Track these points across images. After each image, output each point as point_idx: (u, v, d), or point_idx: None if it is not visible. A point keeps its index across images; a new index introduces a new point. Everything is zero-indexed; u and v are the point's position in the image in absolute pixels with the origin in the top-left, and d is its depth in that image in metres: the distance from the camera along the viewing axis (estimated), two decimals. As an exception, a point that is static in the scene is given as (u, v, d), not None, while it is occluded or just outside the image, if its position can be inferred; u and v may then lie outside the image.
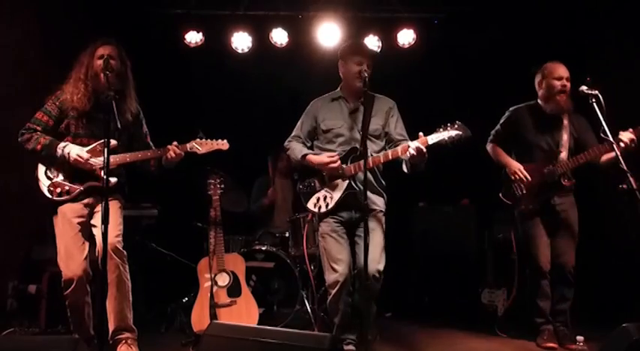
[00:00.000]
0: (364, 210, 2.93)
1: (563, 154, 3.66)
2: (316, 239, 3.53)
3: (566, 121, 3.72)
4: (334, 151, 3.34)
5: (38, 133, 3.12)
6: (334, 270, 3.21)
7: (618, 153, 3.03)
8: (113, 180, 3.09)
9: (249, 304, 3.71)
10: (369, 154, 3.14)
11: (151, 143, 3.42)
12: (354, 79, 3.29)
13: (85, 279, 3.05)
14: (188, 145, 3.27)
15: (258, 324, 3.59)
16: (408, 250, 5.17)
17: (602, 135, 3.15)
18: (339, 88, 3.49)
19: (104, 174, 2.67)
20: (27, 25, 4.29)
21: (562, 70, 3.65)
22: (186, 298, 4.22)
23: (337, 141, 3.36)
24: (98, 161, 3.11)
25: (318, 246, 3.43)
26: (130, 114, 3.24)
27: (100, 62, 3.11)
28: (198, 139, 3.30)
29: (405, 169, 3.28)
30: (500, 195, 3.80)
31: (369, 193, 3.06)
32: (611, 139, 3.10)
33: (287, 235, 4.46)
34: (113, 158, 3.06)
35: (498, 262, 4.66)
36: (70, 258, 3.04)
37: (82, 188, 3.14)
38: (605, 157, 3.50)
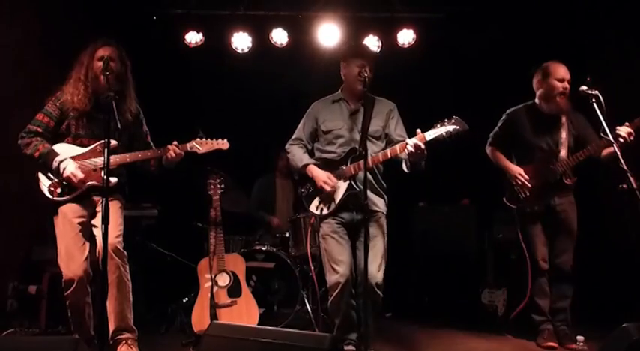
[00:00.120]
0: (364, 210, 2.92)
1: (563, 153, 3.66)
2: (317, 239, 3.52)
3: (564, 120, 3.71)
4: (335, 152, 3.34)
5: (38, 138, 3.11)
6: (335, 271, 3.21)
7: (618, 153, 3.02)
8: (113, 180, 3.09)
9: (250, 304, 3.72)
10: (369, 155, 3.13)
11: (151, 143, 3.42)
12: (355, 82, 3.29)
13: (85, 279, 3.05)
14: (188, 145, 3.27)
15: (259, 324, 3.60)
16: (408, 250, 5.16)
17: (602, 135, 3.14)
18: (340, 90, 3.49)
19: (104, 174, 2.67)
20: (27, 25, 4.28)
21: (564, 72, 3.64)
22: (187, 299, 4.23)
23: (337, 142, 3.36)
24: (99, 161, 3.11)
25: (319, 246, 3.43)
26: (130, 114, 3.24)
27: (99, 64, 3.11)
28: (198, 139, 3.30)
29: (404, 168, 3.27)
30: (505, 200, 3.80)
31: (369, 194, 3.06)
32: (612, 139, 3.10)
33: (287, 235, 4.46)
34: (113, 158, 3.05)
35: (498, 262, 4.68)
36: (71, 258, 3.04)
37: (82, 188, 3.14)
38: (605, 151, 3.49)
